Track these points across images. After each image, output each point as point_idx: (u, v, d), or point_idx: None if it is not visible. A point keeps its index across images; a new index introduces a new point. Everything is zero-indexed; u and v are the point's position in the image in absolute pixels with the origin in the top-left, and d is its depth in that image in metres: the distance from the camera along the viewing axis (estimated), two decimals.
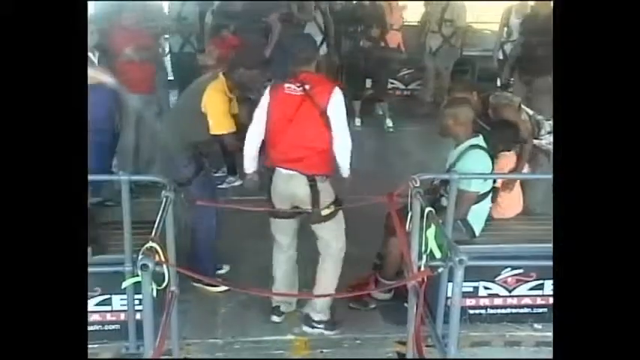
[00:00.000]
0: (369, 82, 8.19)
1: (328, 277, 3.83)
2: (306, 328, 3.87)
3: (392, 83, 9.37)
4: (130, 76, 4.97)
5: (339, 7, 8.69)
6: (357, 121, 8.15)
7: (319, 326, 3.85)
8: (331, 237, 3.79)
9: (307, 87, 3.52)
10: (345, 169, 3.69)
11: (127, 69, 5.06)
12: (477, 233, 3.90)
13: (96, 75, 4.30)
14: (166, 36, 7.35)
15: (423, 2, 9.26)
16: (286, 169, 3.59)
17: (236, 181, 6.00)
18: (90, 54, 4.62)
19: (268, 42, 6.94)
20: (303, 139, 3.55)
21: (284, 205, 3.68)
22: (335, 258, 3.84)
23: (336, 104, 3.54)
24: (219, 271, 4.50)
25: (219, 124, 3.92)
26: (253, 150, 3.74)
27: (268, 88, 3.67)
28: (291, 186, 3.61)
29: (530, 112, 4.44)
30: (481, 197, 3.85)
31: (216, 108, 3.90)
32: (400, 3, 8.87)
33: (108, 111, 4.79)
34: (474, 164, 3.72)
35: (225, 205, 4.51)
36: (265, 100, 3.64)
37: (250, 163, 3.79)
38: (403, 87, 9.72)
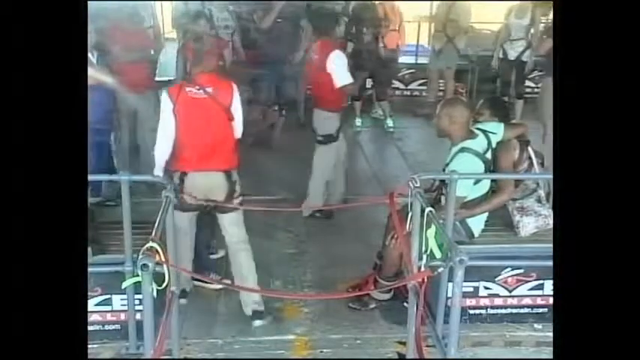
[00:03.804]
0: (369, 82, 8.20)
1: (244, 268, 3.93)
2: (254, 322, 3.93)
3: (392, 83, 9.38)
4: (129, 75, 4.97)
5: (339, 7, 8.70)
6: (358, 121, 8.16)
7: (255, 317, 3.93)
8: (233, 224, 3.89)
9: (209, 89, 3.63)
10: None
11: (126, 69, 5.06)
12: (477, 235, 3.90)
13: (95, 75, 4.30)
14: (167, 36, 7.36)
15: (421, 2, 9.27)
16: (202, 170, 3.70)
17: None
18: (89, 54, 4.62)
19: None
20: (216, 138, 3.70)
21: (196, 201, 3.75)
22: (241, 247, 3.93)
23: (237, 101, 3.73)
24: (213, 256, 4.50)
25: None
26: (165, 155, 3.76)
27: (165, 93, 3.69)
28: (208, 184, 3.72)
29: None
30: (480, 199, 3.84)
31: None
32: (399, 3, 8.87)
33: (107, 111, 4.80)
34: (462, 168, 3.59)
35: (223, 204, 4.50)
36: (167, 105, 3.66)
37: (160, 168, 3.81)
38: (403, 87, 9.73)
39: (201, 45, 3.83)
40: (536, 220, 3.94)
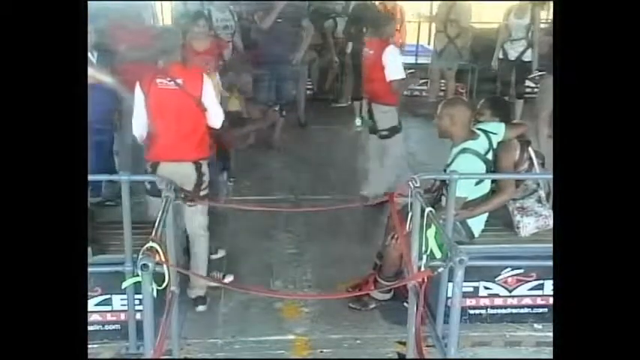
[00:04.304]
0: None
1: (203, 252, 4.02)
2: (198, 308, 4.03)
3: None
4: (130, 75, 4.97)
5: (339, 7, 8.71)
6: (358, 121, 8.16)
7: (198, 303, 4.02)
8: (198, 212, 3.94)
9: (179, 80, 3.68)
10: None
11: (127, 68, 5.06)
12: (477, 235, 3.90)
13: (95, 75, 4.30)
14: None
15: (421, 2, 9.27)
16: (172, 160, 3.77)
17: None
18: (89, 54, 4.62)
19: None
20: (184, 129, 3.77)
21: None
22: (201, 233, 3.99)
23: (207, 91, 3.77)
24: (214, 256, 4.51)
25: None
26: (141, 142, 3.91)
27: (138, 84, 3.76)
28: (177, 174, 3.73)
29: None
30: (482, 199, 3.84)
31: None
32: (400, 3, 8.88)
33: (107, 111, 4.80)
34: (463, 169, 3.59)
35: (223, 204, 4.52)
36: (139, 96, 3.75)
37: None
38: None
39: (171, 36, 3.95)
40: (536, 220, 3.94)
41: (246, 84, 4.33)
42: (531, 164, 4.03)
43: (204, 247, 4.05)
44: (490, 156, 3.83)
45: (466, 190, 3.66)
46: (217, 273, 4.35)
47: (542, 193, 4.04)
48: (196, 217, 3.95)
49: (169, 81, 3.68)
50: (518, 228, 3.95)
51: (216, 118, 3.86)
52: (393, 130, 5.46)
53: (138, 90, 3.75)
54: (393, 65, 5.28)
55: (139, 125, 3.81)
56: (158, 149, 3.80)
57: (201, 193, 3.88)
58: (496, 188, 3.90)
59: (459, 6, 8.13)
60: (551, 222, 3.88)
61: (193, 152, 3.81)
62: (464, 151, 3.75)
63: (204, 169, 3.86)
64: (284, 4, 6.65)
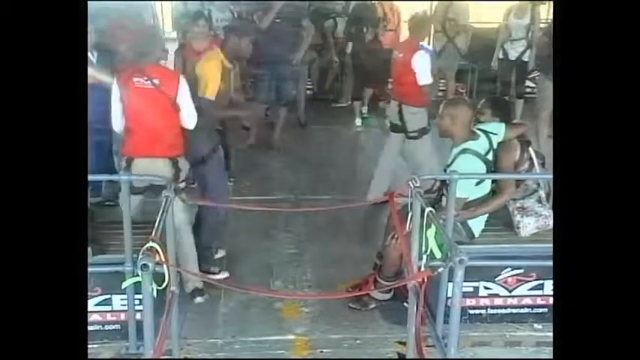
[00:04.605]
0: (369, 83, 8.19)
1: (187, 246, 4.04)
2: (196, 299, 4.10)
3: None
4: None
5: (339, 7, 8.71)
6: (358, 121, 8.16)
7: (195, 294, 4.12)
8: (182, 210, 3.93)
9: (156, 81, 3.79)
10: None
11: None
12: (477, 235, 3.90)
13: (95, 75, 4.30)
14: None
15: (421, 2, 9.26)
16: (147, 156, 3.87)
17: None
18: (89, 54, 4.62)
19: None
20: (160, 127, 3.87)
21: (141, 186, 3.91)
22: (183, 227, 3.99)
23: (183, 92, 3.87)
24: (215, 256, 4.53)
25: (205, 87, 4.15)
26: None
27: (115, 81, 3.89)
28: (152, 170, 3.84)
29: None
30: (482, 199, 3.84)
31: (206, 72, 4.17)
32: (398, 3, 8.86)
33: (107, 111, 4.79)
34: (463, 169, 3.59)
35: (223, 205, 4.52)
36: (116, 93, 3.87)
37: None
38: None
39: (149, 37, 4.10)
40: (536, 220, 3.94)
41: (246, 47, 4.42)
42: (532, 164, 4.03)
43: (188, 236, 4.06)
44: (490, 156, 3.83)
45: (466, 190, 3.66)
46: (214, 267, 4.37)
47: (542, 193, 4.04)
48: (181, 215, 3.95)
49: (146, 80, 3.78)
50: (518, 228, 3.95)
51: (189, 118, 3.93)
52: (422, 132, 5.48)
53: (114, 87, 3.86)
54: (424, 70, 5.41)
55: (116, 121, 3.94)
56: (133, 145, 3.91)
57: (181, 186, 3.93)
58: (496, 188, 3.90)
59: (456, 5, 8.13)
60: (551, 222, 3.88)
61: (167, 149, 3.90)
62: (464, 151, 3.75)
63: (182, 164, 3.94)
64: (282, 4, 6.66)
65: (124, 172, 3.87)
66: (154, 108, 3.83)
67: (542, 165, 4.08)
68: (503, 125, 3.94)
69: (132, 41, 4.16)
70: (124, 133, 3.95)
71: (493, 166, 3.85)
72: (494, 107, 4.21)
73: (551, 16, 7.99)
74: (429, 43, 8.93)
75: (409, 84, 5.40)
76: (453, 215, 3.47)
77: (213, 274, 4.33)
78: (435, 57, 8.50)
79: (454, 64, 8.39)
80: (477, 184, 3.78)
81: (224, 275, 4.41)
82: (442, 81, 8.63)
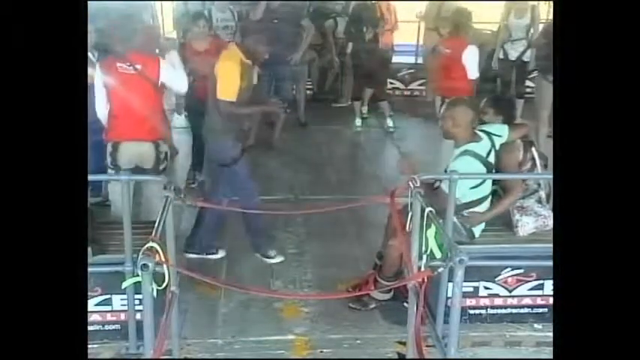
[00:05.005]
0: (369, 83, 8.19)
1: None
2: None
3: (392, 83, 9.38)
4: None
5: (339, 7, 8.71)
6: (358, 121, 8.16)
7: None
8: (153, 196, 4.12)
9: (138, 66, 3.98)
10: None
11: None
12: (477, 235, 3.90)
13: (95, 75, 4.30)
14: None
15: (421, 2, 9.27)
16: (131, 139, 4.07)
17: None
18: (89, 54, 4.62)
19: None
20: (142, 111, 4.04)
21: (128, 168, 4.11)
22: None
23: (165, 70, 4.09)
24: (214, 256, 4.61)
25: (222, 89, 4.21)
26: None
27: (98, 66, 4.06)
28: (136, 152, 4.09)
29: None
30: (479, 201, 3.84)
31: (223, 74, 4.23)
32: (396, 3, 8.86)
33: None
34: (461, 171, 3.55)
35: (225, 207, 4.52)
36: (99, 78, 4.03)
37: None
38: (403, 87, 9.73)
39: (129, 24, 4.34)
40: (535, 220, 3.95)
41: (262, 53, 4.50)
42: (534, 164, 4.04)
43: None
44: (491, 158, 3.82)
45: (460, 192, 3.61)
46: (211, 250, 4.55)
47: (542, 193, 4.05)
48: (153, 201, 4.07)
49: (129, 66, 3.97)
50: (516, 227, 3.96)
51: (180, 81, 4.23)
52: None
53: (98, 71, 4.02)
54: (474, 64, 5.74)
55: (100, 106, 4.07)
56: (119, 130, 4.07)
57: (160, 169, 4.16)
58: (503, 188, 3.91)
59: (449, 4, 8.15)
60: (550, 222, 3.89)
61: (151, 132, 4.09)
62: (464, 153, 3.75)
63: (163, 148, 4.15)
64: (279, 4, 6.68)
65: (110, 157, 4.09)
66: (137, 92, 3.99)
67: (545, 166, 4.09)
68: (506, 127, 3.95)
69: (115, 28, 4.37)
70: (109, 119, 4.09)
71: (494, 169, 3.85)
72: (497, 106, 4.22)
73: (551, 16, 7.98)
74: (422, 42, 8.96)
75: (457, 79, 5.69)
76: (466, 220, 3.47)
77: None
78: (427, 55, 8.56)
79: None
80: (473, 187, 3.77)
81: (222, 254, 4.59)
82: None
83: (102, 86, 4.01)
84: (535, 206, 4.00)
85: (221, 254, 4.62)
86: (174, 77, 4.26)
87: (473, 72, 5.79)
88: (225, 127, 4.25)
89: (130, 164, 4.08)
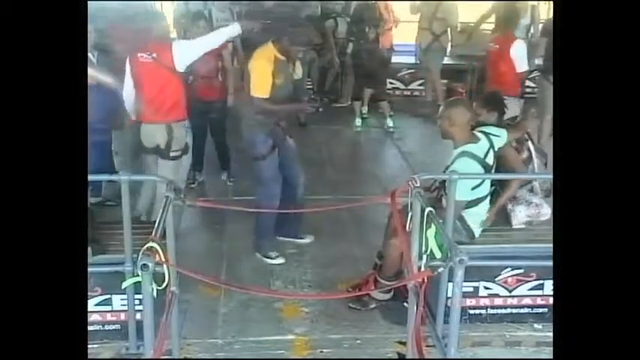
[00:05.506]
0: (369, 83, 8.18)
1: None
2: None
3: (392, 83, 9.38)
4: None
5: (339, 7, 8.70)
6: (358, 121, 8.16)
7: None
8: (170, 173, 4.20)
9: (154, 54, 4.31)
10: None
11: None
12: (477, 235, 3.90)
13: (95, 75, 4.31)
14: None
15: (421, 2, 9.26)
16: (150, 122, 4.37)
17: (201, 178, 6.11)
18: (89, 54, 4.62)
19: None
20: (161, 95, 4.35)
21: (150, 147, 4.46)
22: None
23: (178, 55, 4.31)
24: (302, 240, 4.90)
25: (255, 86, 4.37)
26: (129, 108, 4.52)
27: (128, 60, 4.40)
28: (153, 133, 4.39)
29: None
30: (479, 201, 3.84)
31: (255, 71, 4.39)
32: (395, 3, 8.87)
33: (107, 110, 4.79)
34: (459, 172, 3.57)
35: (226, 206, 4.53)
36: (128, 68, 4.40)
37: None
38: (403, 87, 9.73)
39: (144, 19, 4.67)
40: (527, 208, 3.99)
41: (295, 49, 4.57)
42: (530, 157, 4.07)
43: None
44: (489, 159, 3.82)
45: (461, 193, 3.59)
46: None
47: (536, 184, 4.08)
48: (168, 174, 4.14)
49: (148, 55, 4.30)
50: (510, 217, 4.00)
51: (202, 47, 4.42)
52: (513, 120, 5.58)
53: (127, 64, 4.39)
54: (522, 58, 5.93)
55: (127, 93, 4.40)
56: (141, 112, 4.39)
57: (172, 154, 4.41)
58: (502, 185, 3.94)
59: (446, 4, 8.18)
60: (542, 210, 3.93)
61: (166, 115, 4.36)
62: (462, 154, 3.75)
63: (176, 131, 4.39)
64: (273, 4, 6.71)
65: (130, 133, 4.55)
66: (153, 78, 4.32)
67: (545, 165, 4.10)
68: (504, 130, 3.96)
69: (134, 21, 4.72)
70: (135, 102, 4.40)
71: (492, 170, 3.85)
72: (488, 104, 4.27)
73: (551, 16, 7.98)
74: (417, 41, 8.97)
75: (506, 74, 5.91)
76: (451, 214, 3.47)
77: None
78: (421, 55, 8.58)
79: (439, 62, 8.47)
80: (474, 188, 3.77)
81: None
82: (444, 81, 8.68)
83: (129, 74, 4.38)
84: (527, 195, 4.04)
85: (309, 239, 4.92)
86: (188, 47, 4.47)
87: (521, 66, 5.95)
88: (258, 122, 4.43)
89: (151, 142, 4.39)
